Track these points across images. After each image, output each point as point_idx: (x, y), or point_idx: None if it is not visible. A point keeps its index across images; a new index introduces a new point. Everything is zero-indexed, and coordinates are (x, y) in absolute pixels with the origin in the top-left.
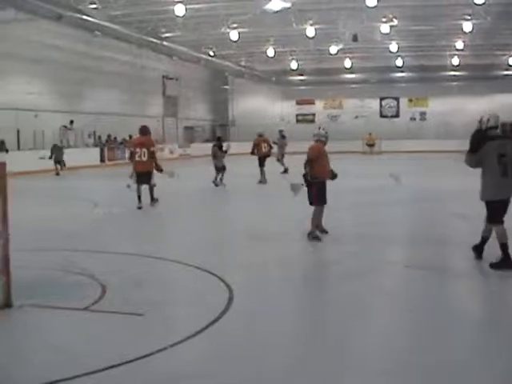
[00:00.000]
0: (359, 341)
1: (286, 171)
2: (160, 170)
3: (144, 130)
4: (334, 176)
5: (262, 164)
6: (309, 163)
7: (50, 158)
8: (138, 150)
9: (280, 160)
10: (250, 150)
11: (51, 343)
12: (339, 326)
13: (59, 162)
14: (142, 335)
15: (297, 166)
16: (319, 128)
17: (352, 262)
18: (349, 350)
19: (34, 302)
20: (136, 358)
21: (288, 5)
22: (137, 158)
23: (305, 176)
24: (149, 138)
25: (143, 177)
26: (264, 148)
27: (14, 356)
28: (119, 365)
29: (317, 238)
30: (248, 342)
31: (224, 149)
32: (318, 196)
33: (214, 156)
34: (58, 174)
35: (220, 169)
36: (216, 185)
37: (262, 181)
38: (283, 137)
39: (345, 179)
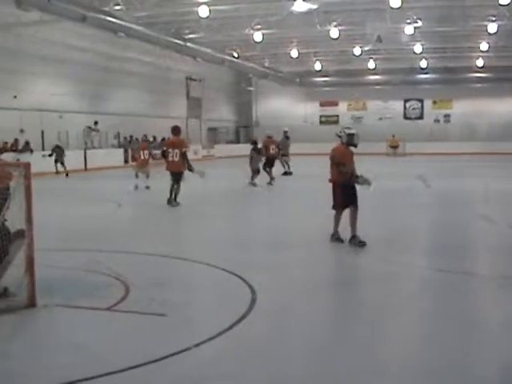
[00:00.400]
0: (382, 344)
1: (288, 173)
2: (191, 169)
3: (176, 131)
4: (360, 182)
5: (270, 165)
6: (333, 165)
7: (50, 155)
8: (170, 150)
9: (281, 160)
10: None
11: (74, 342)
12: (362, 329)
13: (61, 162)
14: (165, 335)
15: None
16: (342, 128)
17: (377, 265)
18: (372, 354)
19: (58, 301)
20: (158, 358)
21: (315, 6)
22: (169, 159)
23: (356, 177)
24: (180, 139)
25: (175, 176)
26: (272, 149)
27: (38, 355)
28: (142, 365)
29: (339, 240)
30: (271, 344)
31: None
32: (341, 199)
33: (251, 159)
34: (57, 172)
35: (255, 171)
36: (253, 185)
37: (271, 180)
38: (287, 138)
39: (373, 181)
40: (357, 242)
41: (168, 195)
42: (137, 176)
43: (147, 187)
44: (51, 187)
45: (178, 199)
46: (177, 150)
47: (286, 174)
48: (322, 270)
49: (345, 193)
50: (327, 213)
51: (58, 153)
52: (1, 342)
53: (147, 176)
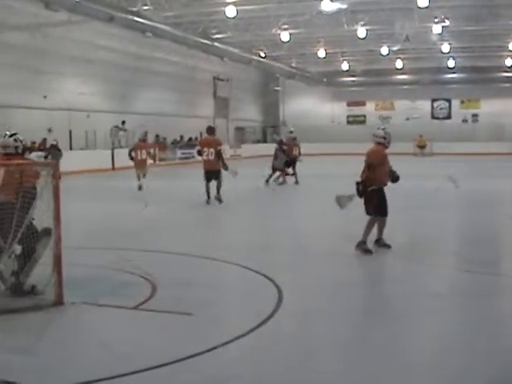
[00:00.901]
0: (409, 344)
1: (293, 174)
2: (226, 168)
3: (211, 130)
4: (395, 178)
5: (292, 166)
6: (369, 169)
7: (46, 157)
8: (205, 149)
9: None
10: (301, 152)
11: (101, 341)
12: (388, 329)
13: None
14: (191, 334)
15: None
16: (378, 128)
17: (403, 265)
18: (398, 353)
19: (85, 299)
20: (185, 357)
21: (344, 6)
22: (204, 157)
23: (358, 184)
24: (216, 138)
25: (210, 174)
26: (295, 151)
27: (64, 352)
28: (168, 364)
29: (368, 252)
30: (297, 344)
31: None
32: (379, 206)
33: (275, 157)
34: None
35: (277, 170)
36: (268, 182)
37: (296, 181)
38: (294, 138)
39: (401, 181)
40: (382, 245)
41: (205, 196)
42: (139, 178)
43: (140, 187)
44: (78, 186)
45: (211, 197)
46: (212, 149)
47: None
48: (348, 270)
49: (384, 198)
50: (351, 214)
51: (54, 154)
52: (28, 340)
53: (143, 175)
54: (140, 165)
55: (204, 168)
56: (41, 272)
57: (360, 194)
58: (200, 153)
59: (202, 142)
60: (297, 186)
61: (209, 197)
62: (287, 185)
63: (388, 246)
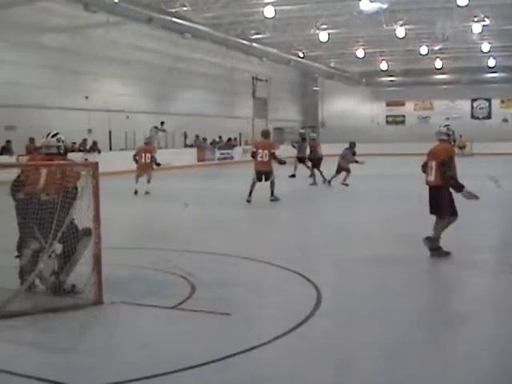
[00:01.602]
0: (451, 347)
1: (293, 176)
2: (283, 162)
3: (266, 134)
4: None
5: (317, 166)
6: (442, 165)
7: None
8: (260, 151)
9: (296, 164)
10: (340, 152)
11: (140, 340)
12: (433, 334)
13: None
14: (230, 334)
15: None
16: (440, 126)
17: (450, 268)
18: (442, 360)
19: (124, 299)
20: (223, 357)
21: (385, 6)
22: (259, 159)
23: (452, 181)
24: (270, 141)
25: (261, 174)
26: (320, 150)
27: (104, 351)
28: (205, 364)
29: (447, 254)
30: (335, 345)
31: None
32: (451, 204)
33: (343, 157)
34: None
35: (341, 170)
36: (329, 182)
37: (326, 180)
38: (304, 139)
39: None
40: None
41: (247, 195)
42: (137, 181)
43: (147, 192)
44: (118, 186)
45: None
46: (266, 151)
47: (293, 176)
48: (390, 271)
49: (451, 197)
50: (395, 215)
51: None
52: (68, 339)
53: (148, 181)
54: (143, 168)
55: (256, 168)
56: (80, 272)
57: (458, 189)
58: (254, 154)
59: (257, 144)
60: (328, 187)
61: (250, 195)
62: (332, 185)
63: (446, 253)
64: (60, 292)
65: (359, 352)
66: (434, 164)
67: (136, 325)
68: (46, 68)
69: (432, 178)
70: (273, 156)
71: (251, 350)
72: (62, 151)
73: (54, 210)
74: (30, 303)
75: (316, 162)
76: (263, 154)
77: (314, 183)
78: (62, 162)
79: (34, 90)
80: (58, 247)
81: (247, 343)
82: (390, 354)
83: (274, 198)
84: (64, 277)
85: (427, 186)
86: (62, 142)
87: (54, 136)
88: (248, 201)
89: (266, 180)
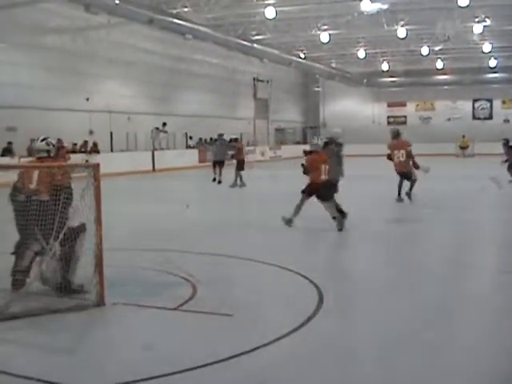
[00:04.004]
0: (452, 345)
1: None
2: (417, 166)
3: (397, 134)
4: None
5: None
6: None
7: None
8: (395, 152)
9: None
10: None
11: (141, 341)
12: (431, 330)
13: None
14: (232, 335)
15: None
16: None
17: (447, 266)
18: (442, 355)
19: (126, 300)
20: (225, 358)
21: (385, 6)
22: (396, 160)
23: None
24: (402, 140)
25: (403, 175)
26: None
27: (106, 353)
28: (208, 364)
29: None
30: (337, 345)
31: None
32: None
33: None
34: None
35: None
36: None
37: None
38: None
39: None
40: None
41: (396, 194)
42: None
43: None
44: (119, 187)
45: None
46: (402, 151)
47: None
48: (390, 270)
49: None
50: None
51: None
52: (70, 340)
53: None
54: None
55: (396, 170)
56: (82, 273)
57: None
58: (390, 157)
59: (391, 146)
60: None
61: (400, 194)
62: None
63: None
64: (68, 291)
65: (361, 352)
66: None
67: (138, 326)
68: (47, 69)
69: None
70: (409, 154)
71: (254, 351)
72: (52, 154)
73: (53, 211)
74: (31, 305)
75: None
76: (400, 155)
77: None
78: (59, 163)
79: (35, 91)
80: (58, 247)
81: (249, 344)
82: (393, 354)
83: (409, 195)
84: (71, 276)
85: None
86: (53, 145)
87: (43, 140)
88: (399, 200)
89: (407, 179)
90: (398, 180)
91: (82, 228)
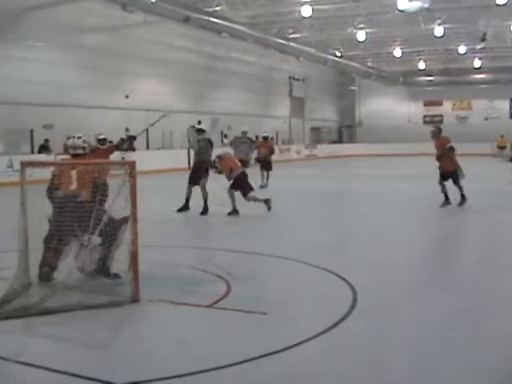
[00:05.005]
0: (482, 347)
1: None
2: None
3: (435, 133)
4: None
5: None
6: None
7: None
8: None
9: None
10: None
11: (176, 338)
12: (468, 334)
13: None
14: (265, 334)
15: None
16: None
17: (479, 267)
18: (477, 359)
19: (161, 297)
20: (258, 356)
21: (426, 5)
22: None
23: None
24: (445, 137)
25: (447, 174)
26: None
27: (140, 349)
28: (241, 362)
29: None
30: (371, 344)
31: None
32: None
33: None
34: None
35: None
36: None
37: None
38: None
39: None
40: None
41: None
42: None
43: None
44: (155, 185)
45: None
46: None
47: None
48: (424, 271)
49: None
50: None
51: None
52: (104, 336)
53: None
54: None
55: (442, 169)
56: (118, 269)
57: None
58: (438, 158)
59: (436, 145)
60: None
61: (447, 198)
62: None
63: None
64: (105, 274)
65: (394, 351)
66: None
67: (172, 323)
68: (83, 67)
69: None
70: (451, 150)
71: (287, 349)
72: (87, 152)
73: (90, 208)
74: (66, 300)
75: None
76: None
77: None
78: (96, 160)
79: (71, 90)
80: (97, 239)
81: (282, 343)
82: (426, 354)
83: (461, 202)
84: (109, 262)
85: None
86: (88, 143)
87: (79, 138)
88: (447, 203)
89: (455, 182)
90: (439, 183)
91: (124, 220)
